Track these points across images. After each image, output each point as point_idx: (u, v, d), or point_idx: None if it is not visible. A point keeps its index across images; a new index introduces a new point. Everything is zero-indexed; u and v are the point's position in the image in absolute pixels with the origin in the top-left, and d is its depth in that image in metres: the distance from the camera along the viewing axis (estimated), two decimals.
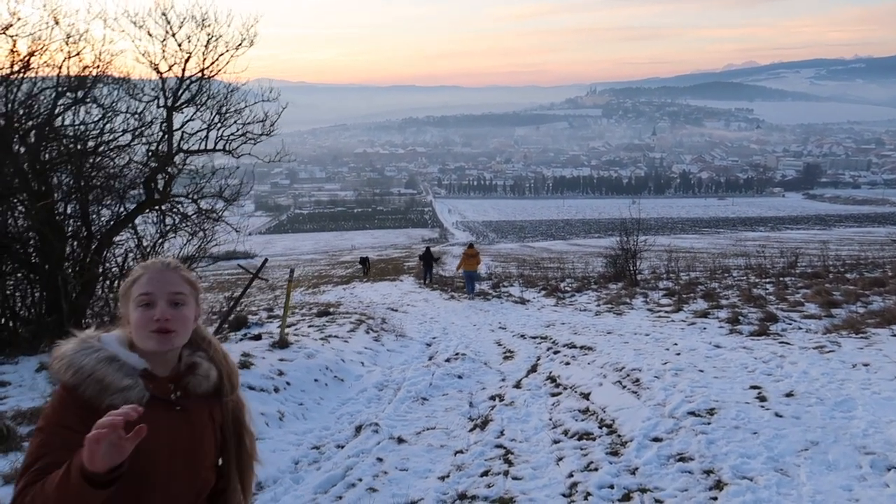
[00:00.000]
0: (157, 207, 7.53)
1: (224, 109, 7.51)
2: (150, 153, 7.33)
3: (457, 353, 9.28)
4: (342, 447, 5.40)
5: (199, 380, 1.60)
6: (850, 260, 19.50)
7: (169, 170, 7.41)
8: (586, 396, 6.39)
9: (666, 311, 12.38)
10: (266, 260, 7.03)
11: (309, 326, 10.94)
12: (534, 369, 8.18)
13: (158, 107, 7.24)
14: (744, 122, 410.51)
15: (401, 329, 11.71)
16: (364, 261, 31.93)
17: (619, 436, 5.04)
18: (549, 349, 9.25)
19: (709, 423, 4.91)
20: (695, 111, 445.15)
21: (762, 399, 5.44)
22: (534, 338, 10.54)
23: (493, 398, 6.94)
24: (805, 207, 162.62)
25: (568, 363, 8.02)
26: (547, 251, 54.35)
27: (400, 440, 5.56)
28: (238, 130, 7.75)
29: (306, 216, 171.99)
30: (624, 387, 6.41)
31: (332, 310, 13.71)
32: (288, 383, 6.89)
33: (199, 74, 7.24)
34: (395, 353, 9.82)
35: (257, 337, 8.69)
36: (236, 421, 1.69)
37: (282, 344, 8.13)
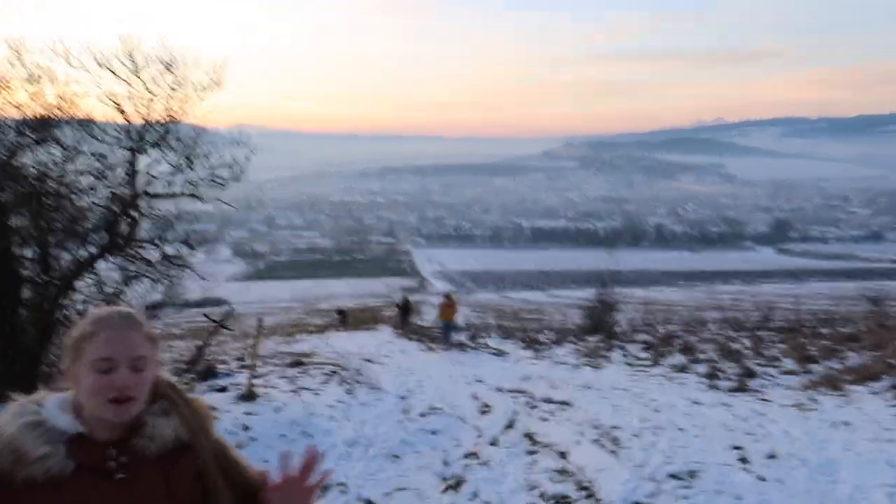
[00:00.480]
0: (119, 253, 7.28)
1: (191, 153, 7.36)
2: (113, 196, 7.12)
3: (432, 407, 9.03)
4: None
5: (144, 442, 1.43)
6: (823, 314, 19.66)
7: (132, 214, 7.20)
8: (564, 455, 6.16)
9: (644, 365, 12.23)
10: (232, 309, 6.78)
11: (280, 378, 10.58)
12: (510, 425, 7.93)
13: (122, 148, 7.07)
14: (716, 177, 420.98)
15: (376, 381, 11.39)
16: (341, 313, 31.46)
17: (598, 500, 4.81)
18: (526, 403, 9.04)
19: (690, 487, 4.72)
20: (668, 166, 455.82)
21: (744, 461, 5.26)
22: (511, 391, 10.30)
23: (467, 456, 6.68)
24: (777, 261, 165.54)
25: (545, 419, 7.80)
26: (525, 302, 54.36)
27: (369, 503, 5.26)
28: (206, 175, 7.59)
29: (284, 263, 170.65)
30: (602, 445, 6.20)
31: (305, 360, 13.33)
32: (252, 439, 6.57)
33: (166, 117, 7.12)
34: (369, 406, 9.49)
35: (223, 389, 8.36)
36: (224, 462, 1.52)
37: (249, 396, 7.81)
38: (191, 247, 7.58)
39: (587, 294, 21.34)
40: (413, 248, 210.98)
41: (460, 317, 22.30)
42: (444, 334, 19.31)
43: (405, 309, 24.19)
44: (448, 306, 19.46)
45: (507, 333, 20.76)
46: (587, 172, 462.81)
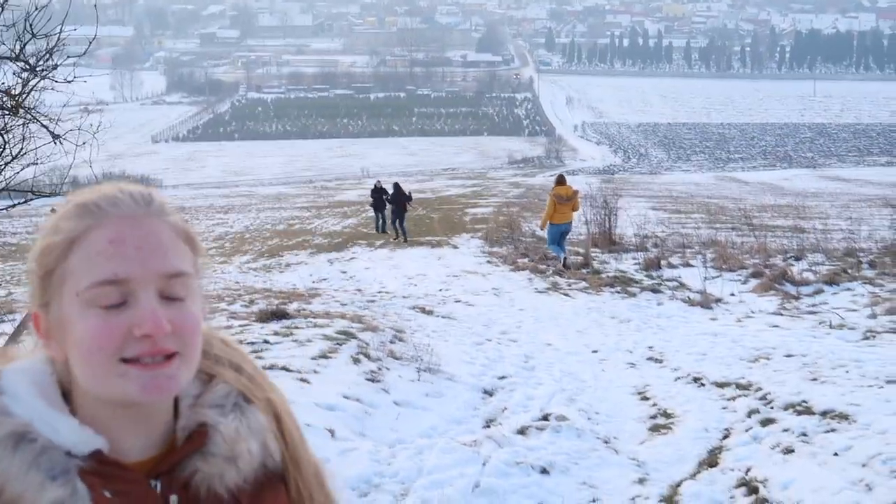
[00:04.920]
0: None
1: None
2: None
3: (546, 415, 9.06)
4: None
5: (215, 465, 1.51)
6: None
7: None
8: None
9: None
10: None
11: (237, 343, 10.73)
12: (713, 461, 7.87)
13: None
14: None
15: (432, 355, 11.38)
16: (379, 194, 31.95)
17: None
18: (751, 414, 8.92)
19: None
20: None
21: None
22: (721, 385, 10.25)
23: None
24: None
25: (790, 450, 7.64)
26: (772, 191, 53.24)
27: None
28: None
29: (271, 105, 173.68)
30: None
31: (292, 307, 13.53)
32: None
33: None
34: (411, 408, 9.53)
35: None
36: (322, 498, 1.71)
37: None
38: (32, 70, 7.47)
39: None
40: (538, 75, 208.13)
41: (626, 220, 22.17)
42: (554, 247, 20.81)
43: (398, 201, 28.20)
44: (563, 198, 20.42)
45: (723, 259, 20.34)
46: None
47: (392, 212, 28.32)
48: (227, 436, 1.51)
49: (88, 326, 1.39)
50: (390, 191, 29.65)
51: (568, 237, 21.44)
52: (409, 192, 30.47)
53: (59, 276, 1.44)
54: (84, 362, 1.41)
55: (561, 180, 21.38)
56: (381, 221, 32.33)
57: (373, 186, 34.37)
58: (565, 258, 20.12)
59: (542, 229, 23.37)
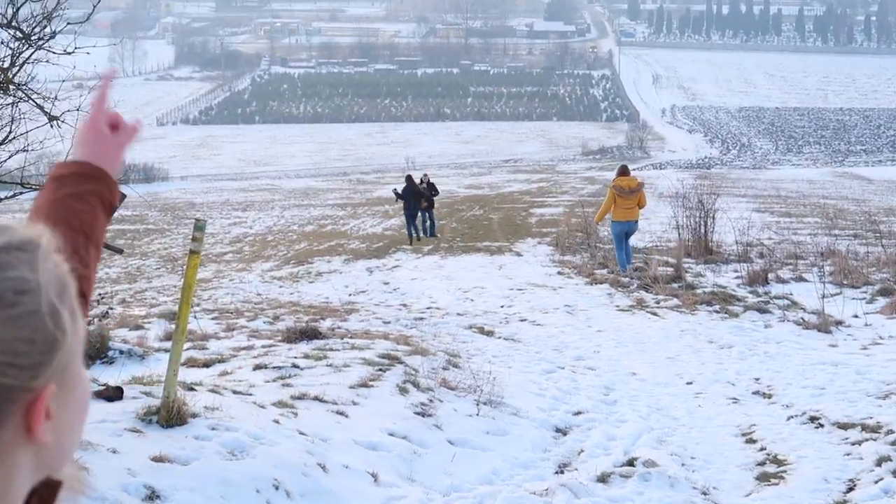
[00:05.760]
0: None
1: None
2: None
3: (631, 460, 9.05)
4: None
5: None
6: None
7: None
8: None
9: None
10: (122, 197, 6.61)
11: (257, 368, 10.81)
12: None
13: None
14: None
15: (493, 385, 11.34)
16: (427, 190, 31.84)
17: None
18: (881, 462, 8.79)
19: None
20: None
21: None
22: (843, 427, 10.14)
23: None
24: None
25: None
26: None
27: None
28: None
29: (298, 82, 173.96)
30: None
31: (325, 325, 13.55)
32: None
33: None
34: (469, 448, 9.53)
35: (113, 393, 8.50)
36: None
37: (170, 415, 7.89)
38: (26, 38, 7.52)
39: None
40: (619, 48, 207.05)
41: (725, 224, 22.07)
42: (617, 252, 21.26)
43: (413, 196, 28.88)
44: (626, 191, 20.76)
45: (844, 272, 20.16)
46: None
47: (406, 209, 29.22)
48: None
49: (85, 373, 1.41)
50: (426, 191, 30.53)
51: (632, 240, 22.02)
52: (425, 185, 31.52)
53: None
54: (85, 415, 1.42)
55: (623, 171, 21.79)
56: (428, 223, 32.01)
57: (419, 182, 34.50)
58: (624, 271, 20.61)
59: (597, 223, 24.28)
